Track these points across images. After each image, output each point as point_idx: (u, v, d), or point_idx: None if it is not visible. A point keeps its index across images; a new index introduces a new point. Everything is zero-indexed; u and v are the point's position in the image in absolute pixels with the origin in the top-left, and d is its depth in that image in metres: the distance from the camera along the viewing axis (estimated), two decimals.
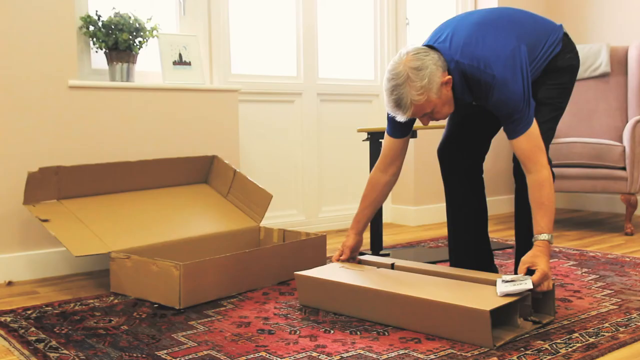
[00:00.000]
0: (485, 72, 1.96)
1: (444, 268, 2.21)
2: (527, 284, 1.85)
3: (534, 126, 2.00)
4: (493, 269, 2.44)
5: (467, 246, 2.41)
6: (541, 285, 1.90)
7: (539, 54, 2.12)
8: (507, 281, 1.88)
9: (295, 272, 2.20)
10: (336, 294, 2.07)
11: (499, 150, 4.52)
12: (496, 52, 1.97)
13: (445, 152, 2.41)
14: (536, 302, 1.97)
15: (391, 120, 2.18)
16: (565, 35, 2.22)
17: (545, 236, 1.96)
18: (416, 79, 1.92)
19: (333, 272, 2.18)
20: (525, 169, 2.03)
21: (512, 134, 2.02)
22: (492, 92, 1.97)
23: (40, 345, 1.80)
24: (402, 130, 2.24)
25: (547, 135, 2.13)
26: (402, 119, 2.00)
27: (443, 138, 2.42)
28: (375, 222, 3.02)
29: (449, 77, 1.97)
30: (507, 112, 1.99)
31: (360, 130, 3.05)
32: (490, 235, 3.59)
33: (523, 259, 1.96)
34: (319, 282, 2.12)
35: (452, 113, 2.16)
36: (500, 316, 1.86)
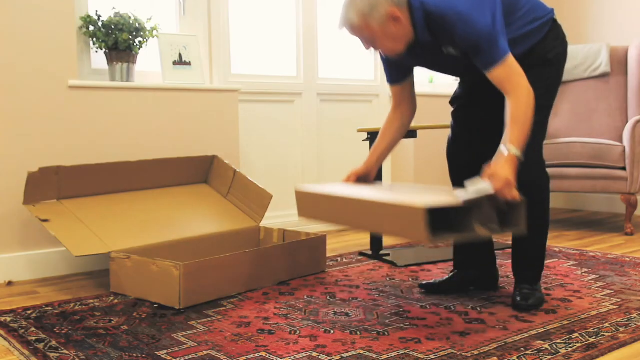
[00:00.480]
0: (449, 9, 1.94)
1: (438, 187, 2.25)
2: (487, 189, 1.80)
3: (511, 57, 1.94)
4: (495, 270, 2.44)
5: (472, 246, 2.41)
6: (504, 193, 1.82)
7: (520, 14, 2.08)
8: (470, 188, 1.84)
9: (295, 189, 2.25)
10: (321, 205, 2.15)
11: None
12: None
13: (454, 154, 2.40)
14: (505, 216, 1.88)
15: (386, 68, 2.27)
16: (555, 20, 2.20)
17: (515, 150, 1.88)
18: (360, 2, 1.95)
19: (327, 187, 2.23)
20: (505, 92, 1.96)
21: (487, 66, 1.95)
22: (456, 27, 1.93)
23: (40, 345, 1.80)
24: (394, 77, 2.27)
25: (537, 137, 2.09)
26: (342, 30, 2.04)
27: (450, 139, 2.41)
28: None
29: (400, 15, 1.95)
30: (475, 43, 1.93)
31: (360, 130, 3.05)
32: None
33: (487, 169, 1.88)
34: (310, 195, 2.21)
35: (457, 112, 2.22)
36: (458, 222, 1.83)
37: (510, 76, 1.94)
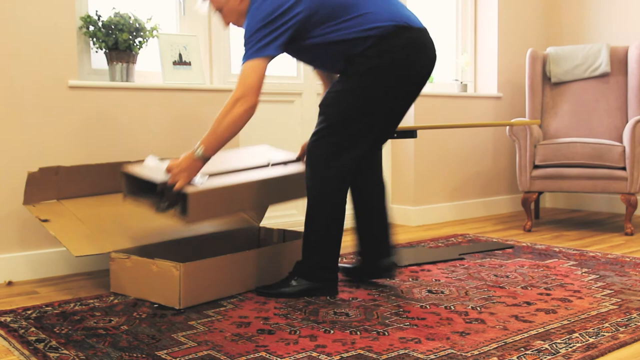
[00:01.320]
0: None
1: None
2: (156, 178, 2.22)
3: (254, 63, 2.13)
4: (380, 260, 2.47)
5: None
6: (172, 180, 2.18)
7: (345, 22, 2.18)
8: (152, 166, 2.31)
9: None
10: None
11: (499, 150, 4.53)
12: None
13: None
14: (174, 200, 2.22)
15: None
16: (388, 35, 2.18)
17: (199, 150, 2.16)
18: None
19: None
20: None
21: (243, 57, 2.17)
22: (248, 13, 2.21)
23: (40, 345, 1.80)
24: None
25: (346, 148, 2.22)
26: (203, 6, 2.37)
27: None
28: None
29: None
30: (246, 31, 2.19)
31: None
32: (490, 235, 3.59)
33: (172, 160, 2.22)
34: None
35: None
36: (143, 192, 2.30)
37: (239, 79, 2.14)
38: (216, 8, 2.30)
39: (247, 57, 2.15)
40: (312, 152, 2.25)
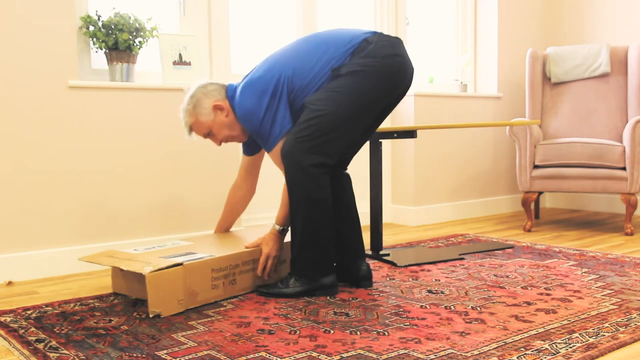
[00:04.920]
0: (240, 107, 2.28)
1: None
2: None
3: (277, 147, 2.27)
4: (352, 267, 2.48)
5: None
6: (266, 264, 2.35)
7: (316, 72, 2.28)
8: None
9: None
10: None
11: (499, 150, 4.53)
12: (252, 81, 2.28)
13: None
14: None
15: (243, 142, 2.53)
16: (366, 40, 2.29)
17: (277, 227, 2.37)
18: (186, 104, 2.36)
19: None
20: (281, 170, 2.31)
21: (267, 149, 2.31)
22: (242, 121, 2.30)
23: (40, 345, 1.80)
24: (248, 149, 2.58)
25: (301, 135, 2.22)
26: (189, 136, 2.41)
27: None
28: (375, 222, 3.02)
29: (222, 104, 2.33)
30: (253, 131, 2.29)
31: None
32: (490, 235, 3.59)
33: (257, 240, 2.39)
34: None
35: None
36: None
37: (279, 164, 2.30)
38: (205, 133, 2.38)
39: (273, 144, 2.28)
40: (292, 152, 2.25)
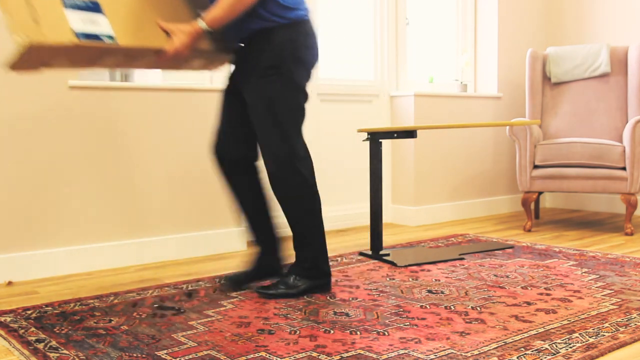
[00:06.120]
0: None
1: None
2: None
3: None
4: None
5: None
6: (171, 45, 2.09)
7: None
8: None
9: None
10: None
11: (499, 150, 4.53)
12: None
13: (215, 145, 2.42)
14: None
15: None
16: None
17: (202, 23, 2.12)
18: None
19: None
20: None
21: None
22: None
23: (40, 345, 1.80)
24: None
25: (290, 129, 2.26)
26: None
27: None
28: (375, 222, 3.02)
29: None
30: None
31: (360, 131, 3.05)
32: (490, 235, 3.59)
33: (173, 27, 2.11)
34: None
35: (222, 96, 2.37)
36: None
37: None
38: None
39: None
40: (277, 154, 2.24)
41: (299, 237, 2.32)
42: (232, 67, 2.36)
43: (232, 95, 2.36)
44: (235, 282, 2.40)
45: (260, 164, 2.38)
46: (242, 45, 2.27)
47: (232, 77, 2.36)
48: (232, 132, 2.35)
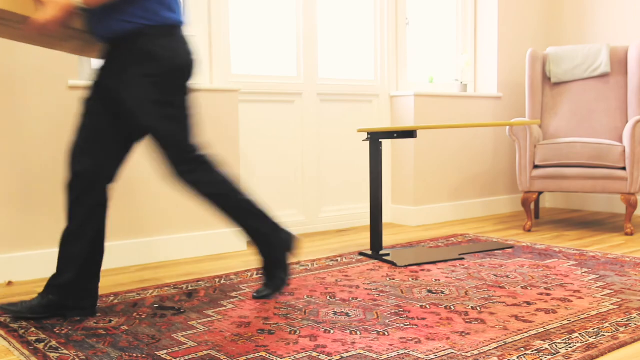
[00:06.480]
0: None
1: None
2: None
3: None
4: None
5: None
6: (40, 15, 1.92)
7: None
8: None
9: None
10: None
11: (499, 150, 4.53)
12: None
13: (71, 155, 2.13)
14: None
15: None
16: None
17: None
18: None
19: None
20: None
21: None
22: None
23: (40, 345, 1.80)
24: None
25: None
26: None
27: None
28: (375, 222, 3.02)
29: None
30: None
31: (360, 131, 3.05)
32: (490, 235, 3.59)
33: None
34: None
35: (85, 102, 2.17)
36: None
37: None
38: None
39: None
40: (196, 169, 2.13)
41: (238, 226, 2.21)
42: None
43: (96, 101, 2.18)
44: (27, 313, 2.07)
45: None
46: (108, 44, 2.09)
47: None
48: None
